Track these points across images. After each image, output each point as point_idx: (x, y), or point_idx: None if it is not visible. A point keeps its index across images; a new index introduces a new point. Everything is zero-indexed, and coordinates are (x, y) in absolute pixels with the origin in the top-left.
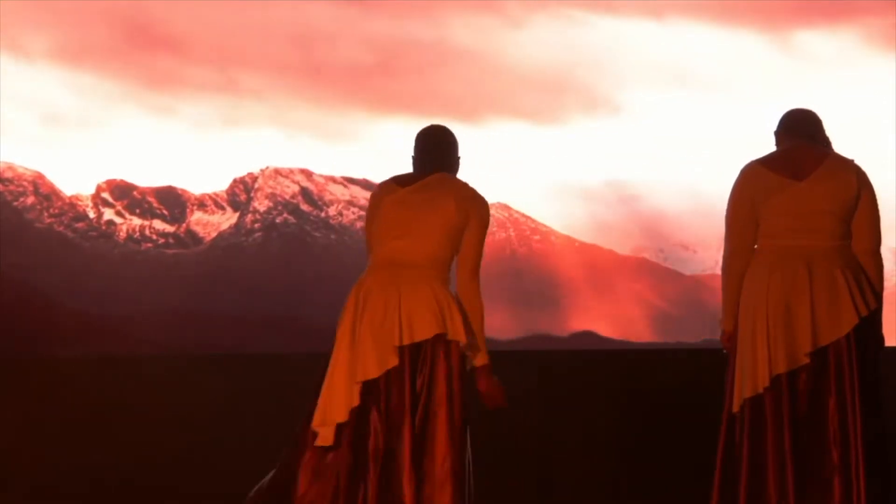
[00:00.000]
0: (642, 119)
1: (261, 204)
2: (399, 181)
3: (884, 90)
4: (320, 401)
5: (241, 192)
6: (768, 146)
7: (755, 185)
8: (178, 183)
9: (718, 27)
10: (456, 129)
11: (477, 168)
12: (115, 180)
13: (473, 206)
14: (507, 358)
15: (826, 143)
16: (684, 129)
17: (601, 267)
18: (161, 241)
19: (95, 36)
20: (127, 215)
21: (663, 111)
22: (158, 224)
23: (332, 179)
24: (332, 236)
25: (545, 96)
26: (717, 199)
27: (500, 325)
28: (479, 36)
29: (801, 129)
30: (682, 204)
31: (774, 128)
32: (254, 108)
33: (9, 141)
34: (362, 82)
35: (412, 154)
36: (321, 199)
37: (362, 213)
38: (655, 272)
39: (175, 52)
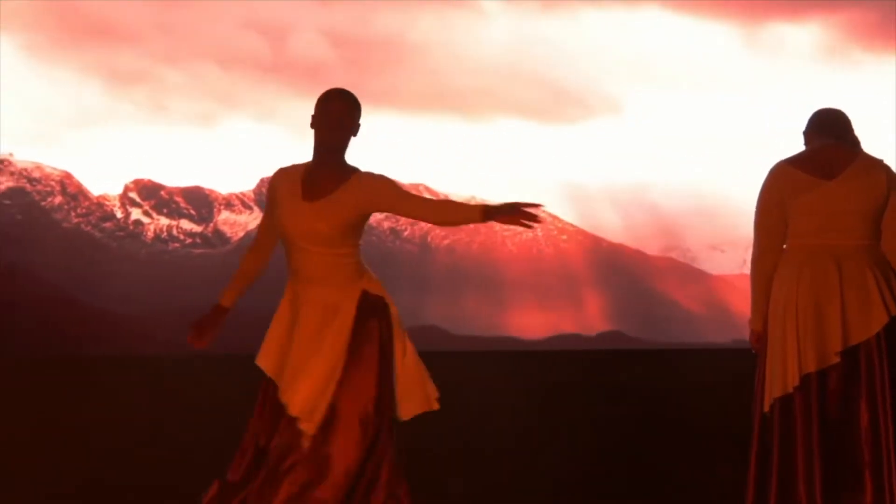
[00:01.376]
0: (652, 118)
1: None
2: None
3: (876, 85)
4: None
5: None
6: (797, 147)
7: (784, 185)
8: (206, 183)
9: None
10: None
11: (494, 168)
12: (142, 180)
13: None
14: (534, 357)
15: (855, 142)
16: (707, 129)
17: (629, 267)
18: (188, 240)
19: (126, 38)
20: (154, 215)
21: (682, 111)
22: (186, 224)
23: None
24: None
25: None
26: (747, 199)
27: (527, 324)
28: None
29: (830, 129)
30: (711, 204)
31: (803, 128)
32: (280, 106)
33: (37, 140)
34: (389, 78)
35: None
36: None
37: (388, 212)
38: (683, 272)
39: (205, 53)
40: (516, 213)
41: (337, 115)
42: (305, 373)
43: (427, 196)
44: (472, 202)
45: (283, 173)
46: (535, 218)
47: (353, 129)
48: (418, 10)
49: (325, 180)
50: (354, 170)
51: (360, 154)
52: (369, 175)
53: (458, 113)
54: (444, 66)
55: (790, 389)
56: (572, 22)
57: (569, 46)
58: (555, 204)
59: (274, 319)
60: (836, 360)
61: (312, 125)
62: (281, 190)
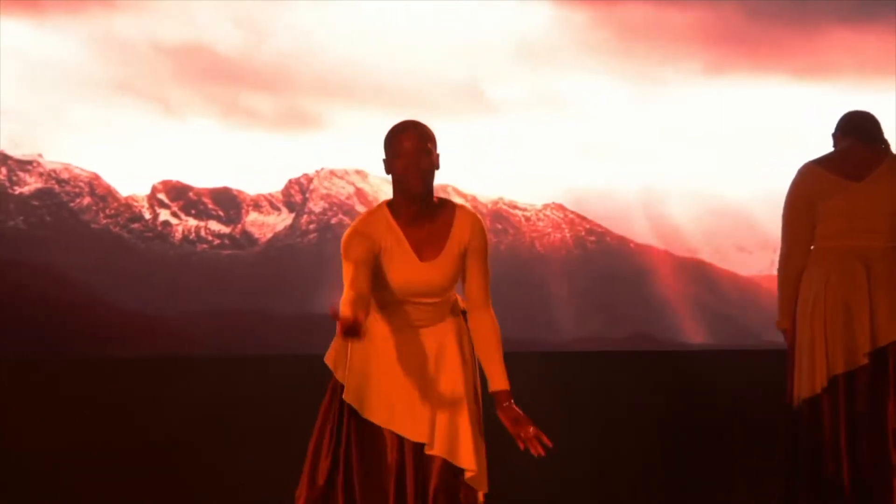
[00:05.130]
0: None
1: (316, 205)
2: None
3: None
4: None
5: (296, 193)
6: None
7: (812, 187)
8: (234, 184)
9: None
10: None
11: (515, 163)
12: (170, 181)
13: None
14: (565, 359)
15: (885, 144)
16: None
17: (656, 268)
18: (216, 241)
19: (156, 41)
20: (182, 216)
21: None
22: (214, 225)
23: (388, 181)
24: None
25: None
26: (776, 199)
27: (557, 325)
28: None
29: (857, 131)
30: (740, 205)
31: (832, 130)
32: (310, 108)
33: (66, 141)
34: (418, 81)
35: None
36: (376, 200)
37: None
38: (712, 273)
39: (232, 56)
40: (519, 431)
41: (418, 157)
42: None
43: (490, 297)
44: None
45: (371, 228)
46: (532, 446)
47: (436, 163)
48: None
49: (432, 236)
50: (453, 207)
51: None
52: (474, 218)
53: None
54: None
55: (818, 391)
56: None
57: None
58: (583, 205)
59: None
60: (865, 361)
61: (389, 170)
62: (383, 246)
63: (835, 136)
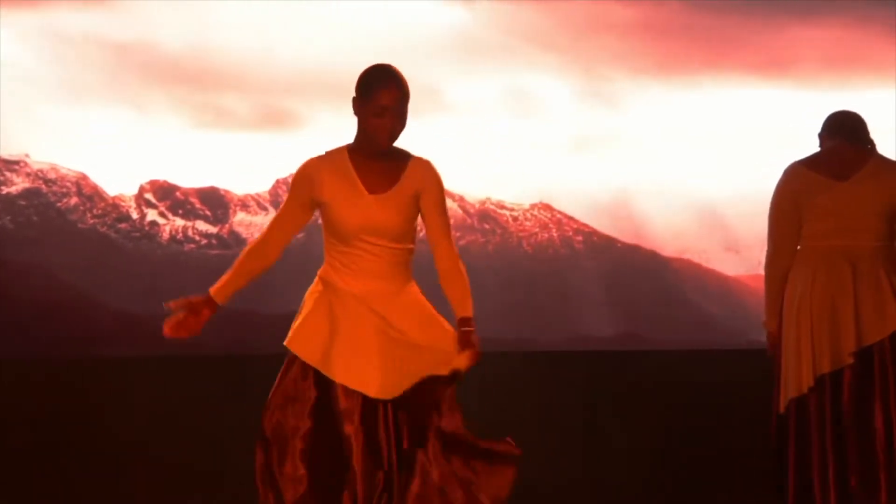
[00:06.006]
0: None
1: None
2: None
3: None
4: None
5: (284, 193)
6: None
7: (798, 186)
8: (221, 184)
9: None
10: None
11: (490, 164)
12: (157, 181)
13: None
14: (553, 359)
15: (870, 144)
16: (721, 126)
17: (643, 268)
18: (204, 241)
19: (137, 40)
20: (170, 216)
21: (675, 108)
22: (201, 225)
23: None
24: None
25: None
26: (763, 199)
27: (545, 325)
28: None
29: (843, 131)
30: (728, 204)
31: (818, 130)
32: (296, 108)
33: (52, 141)
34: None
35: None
36: None
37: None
38: (698, 273)
39: (218, 53)
40: (463, 349)
41: (393, 120)
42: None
43: (451, 235)
44: (466, 301)
45: (323, 163)
46: (463, 361)
47: (405, 121)
48: None
49: (384, 174)
50: (409, 155)
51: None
52: (428, 164)
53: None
54: None
55: (805, 390)
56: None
57: None
58: (570, 205)
59: (311, 311)
60: (850, 360)
61: (358, 115)
62: (329, 182)
63: (821, 136)
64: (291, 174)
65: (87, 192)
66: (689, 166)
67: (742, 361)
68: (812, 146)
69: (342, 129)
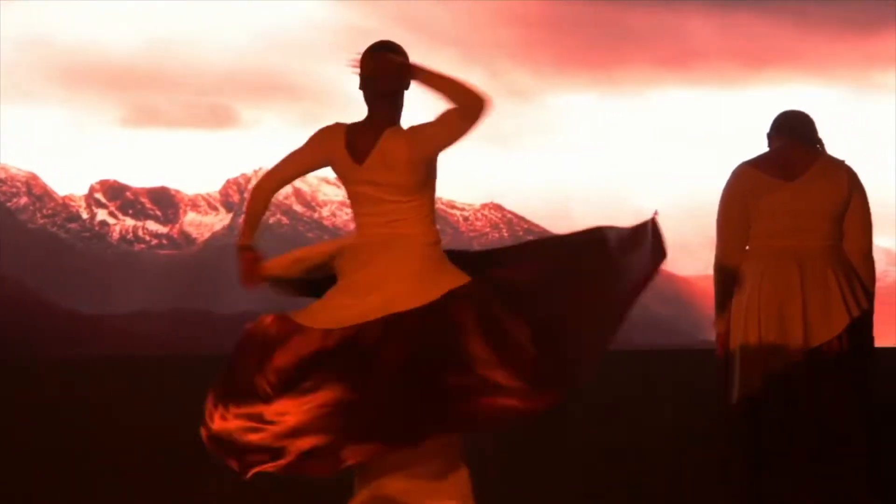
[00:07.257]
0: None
1: None
2: None
3: None
4: None
5: (234, 193)
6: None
7: (746, 187)
8: (172, 184)
9: None
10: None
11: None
12: (108, 181)
13: None
14: None
15: (819, 143)
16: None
17: None
18: (154, 241)
19: (94, 40)
20: (120, 216)
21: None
22: (151, 225)
23: (326, 181)
24: (326, 237)
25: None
26: (711, 198)
27: None
28: None
29: (792, 131)
30: (673, 204)
31: (767, 130)
32: (250, 107)
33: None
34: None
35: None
36: (314, 199)
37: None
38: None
39: (174, 55)
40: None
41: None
42: None
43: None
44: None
45: (336, 128)
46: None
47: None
48: None
49: (365, 139)
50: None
51: None
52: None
53: None
54: None
55: (754, 391)
56: None
57: None
58: (522, 205)
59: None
60: (799, 358)
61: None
62: (337, 149)
63: (769, 135)
64: (242, 174)
65: (37, 192)
66: (622, 167)
67: (693, 361)
68: (722, 141)
69: (288, 126)
